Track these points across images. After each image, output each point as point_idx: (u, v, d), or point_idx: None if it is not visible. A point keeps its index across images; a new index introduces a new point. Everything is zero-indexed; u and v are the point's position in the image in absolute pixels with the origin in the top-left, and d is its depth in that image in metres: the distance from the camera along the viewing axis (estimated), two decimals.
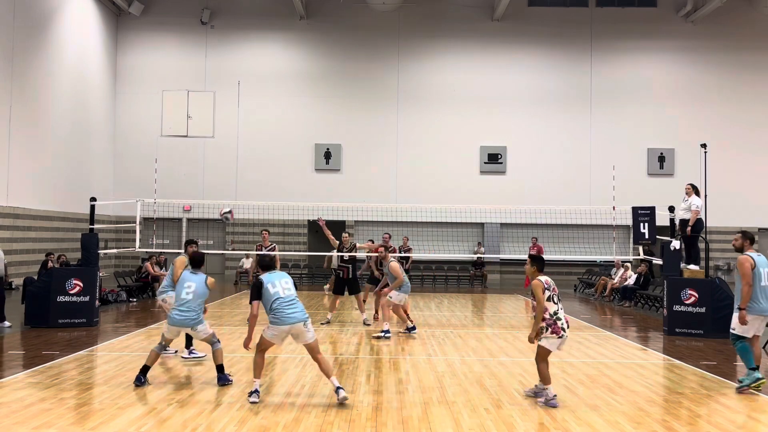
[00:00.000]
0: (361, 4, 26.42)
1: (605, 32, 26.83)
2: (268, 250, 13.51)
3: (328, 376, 6.75)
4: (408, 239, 20.53)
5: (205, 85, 26.72)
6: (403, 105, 26.69)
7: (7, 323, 11.81)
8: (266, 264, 6.96)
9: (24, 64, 19.91)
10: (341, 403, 6.56)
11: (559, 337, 6.67)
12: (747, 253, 7.56)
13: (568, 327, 6.79)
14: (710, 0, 25.13)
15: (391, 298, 11.18)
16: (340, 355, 9.48)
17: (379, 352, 9.81)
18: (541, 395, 6.86)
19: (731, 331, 7.56)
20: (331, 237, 12.91)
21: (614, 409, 6.70)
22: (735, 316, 7.49)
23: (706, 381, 8.10)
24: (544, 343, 6.73)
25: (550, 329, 6.69)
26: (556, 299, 6.75)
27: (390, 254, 11.78)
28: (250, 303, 6.81)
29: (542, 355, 6.76)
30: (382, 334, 11.02)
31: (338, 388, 6.64)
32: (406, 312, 11.58)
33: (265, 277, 6.80)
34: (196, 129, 26.71)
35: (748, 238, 7.68)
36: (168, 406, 6.53)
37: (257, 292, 6.70)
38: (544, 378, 6.76)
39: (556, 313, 6.71)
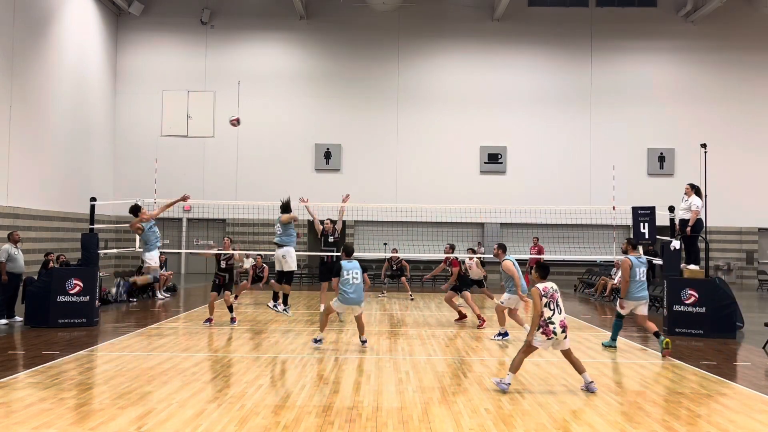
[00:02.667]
0: (361, 4, 26.42)
1: (605, 32, 26.83)
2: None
3: (361, 333, 9.83)
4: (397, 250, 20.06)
5: (205, 85, 26.73)
6: (403, 105, 26.69)
7: (18, 318, 12.34)
8: (349, 251, 9.07)
9: (24, 64, 19.91)
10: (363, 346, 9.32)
11: (549, 338, 7.29)
12: (628, 255, 9.86)
13: (563, 331, 7.31)
14: (710, 0, 25.14)
15: (503, 302, 10.96)
16: (340, 355, 9.47)
17: (379, 352, 9.80)
18: (584, 387, 7.50)
19: (617, 310, 10.17)
20: (317, 220, 13.18)
21: (614, 409, 6.71)
22: (618, 301, 10.21)
23: (706, 381, 8.10)
24: (534, 340, 7.35)
25: (541, 329, 7.31)
26: (552, 306, 7.34)
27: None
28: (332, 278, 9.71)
29: (526, 349, 7.45)
30: (500, 338, 11.00)
31: (362, 340, 9.69)
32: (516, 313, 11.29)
33: (344, 263, 8.99)
34: (196, 129, 26.72)
35: (631, 244, 10.12)
36: (168, 406, 6.53)
37: (338, 271, 9.30)
38: (514, 366, 7.44)
39: (549, 318, 7.32)
